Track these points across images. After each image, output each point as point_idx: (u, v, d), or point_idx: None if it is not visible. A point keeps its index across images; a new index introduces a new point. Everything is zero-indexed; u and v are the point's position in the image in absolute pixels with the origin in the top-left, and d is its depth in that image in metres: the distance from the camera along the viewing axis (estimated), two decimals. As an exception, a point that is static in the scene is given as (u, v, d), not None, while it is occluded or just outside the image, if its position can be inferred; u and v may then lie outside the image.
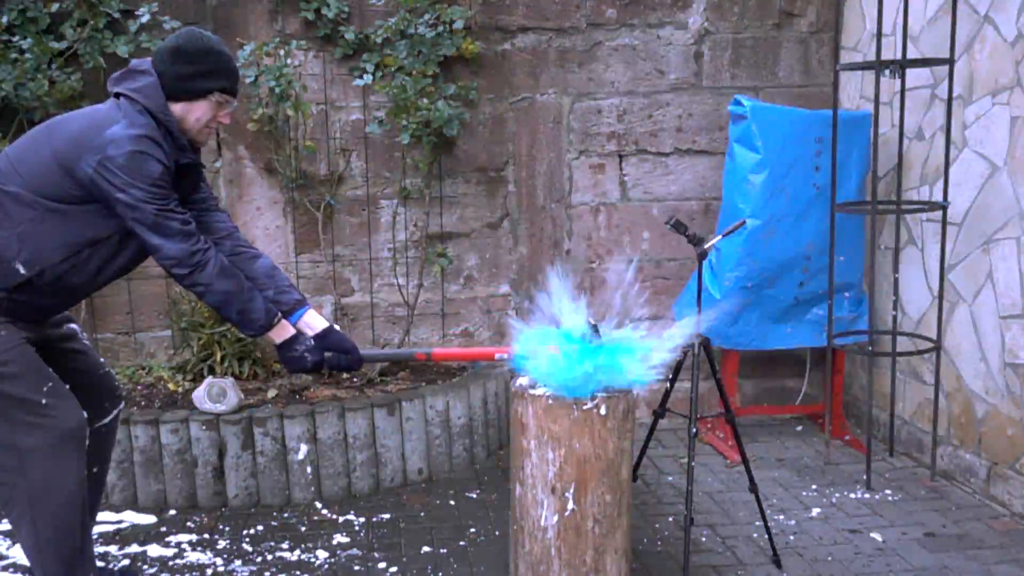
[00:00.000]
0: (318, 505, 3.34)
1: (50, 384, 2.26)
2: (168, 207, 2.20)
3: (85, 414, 2.32)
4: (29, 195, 2.20)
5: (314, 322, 2.44)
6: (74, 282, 2.30)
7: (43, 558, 2.28)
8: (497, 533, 3.05)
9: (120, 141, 2.15)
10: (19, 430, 2.21)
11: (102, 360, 2.59)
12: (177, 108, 2.27)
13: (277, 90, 3.61)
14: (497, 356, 2.49)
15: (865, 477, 3.41)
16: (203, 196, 2.49)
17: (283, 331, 2.39)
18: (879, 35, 3.28)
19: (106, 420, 2.55)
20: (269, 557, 2.93)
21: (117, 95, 2.27)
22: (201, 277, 2.24)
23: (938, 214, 3.35)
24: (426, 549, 2.96)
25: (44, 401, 2.22)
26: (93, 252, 2.27)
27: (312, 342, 2.41)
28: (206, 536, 3.10)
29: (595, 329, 2.34)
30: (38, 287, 2.25)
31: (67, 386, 2.32)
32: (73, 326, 2.52)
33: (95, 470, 2.53)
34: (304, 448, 3.35)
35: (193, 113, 2.30)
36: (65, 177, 2.19)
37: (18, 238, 2.20)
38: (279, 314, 2.37)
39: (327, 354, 2.41)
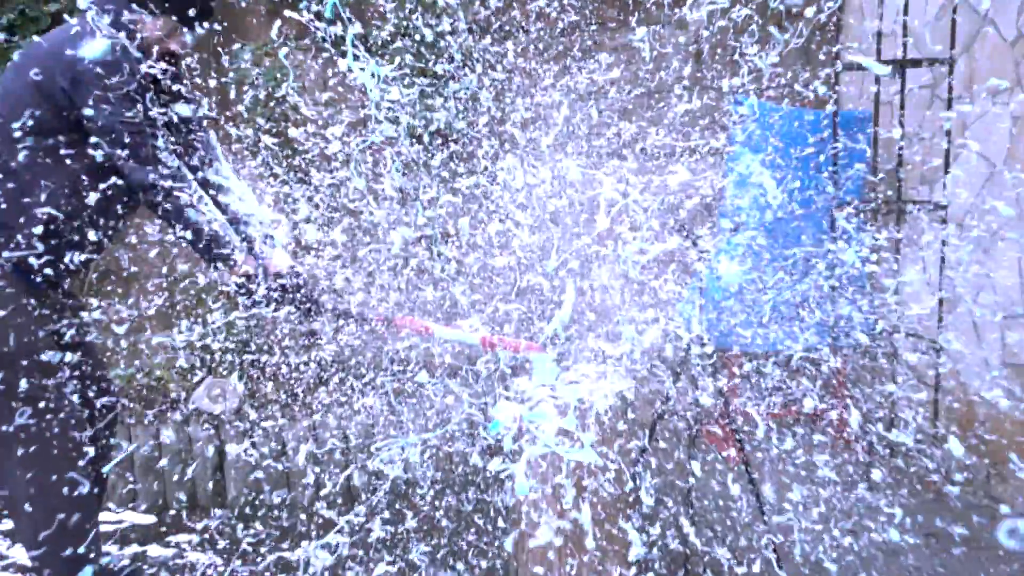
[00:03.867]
0: (318, 505, 3.34)
1: (58, 377, 2.25)
2: (139, 128, 2.16)
3: (86, 413, 2.32)
4: (22, 136, 2.17)
5: (280, 261, 2.42)
6: (87, 223, 2.27)
7: (48, 557, 2.27)
8: (500, 533, 3.05)
9: (88, 54, 2.11)
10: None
11: (102, 360, 2.59)
12: (141, 19, 2.24)
13: (276, 90, 3.61)
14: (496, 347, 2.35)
15: (865, 477, 3.41)
16: (184, 117, 2.44)
17: (248, 267, 2.35)
18: (879, 35, 3.28)
19: (104, 420, 2.54)
20: (269, 557, 2.93)
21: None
22: (169, 204, 2.19)
23: (938, 214, 3.35)
24: (426, 549, 2.96)
25: (50, 395, 2.22)
26: (94, 184, 2.24)
27: (274, 281, 2.38)
28: (206, 536, 3.10)
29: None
30: (56, 235, 2.23)
31: (74, 382, 2.32)
32: (85, 315, 2.51)
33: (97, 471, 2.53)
34: (304, 448, 3.35)
35: (150, 28, 2.26)
36: (45, 105, 2.16)
37: (26, 186, 2.18)
38: (246, 250, 2.34)
39: (287, 295, 2.38)
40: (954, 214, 3.35)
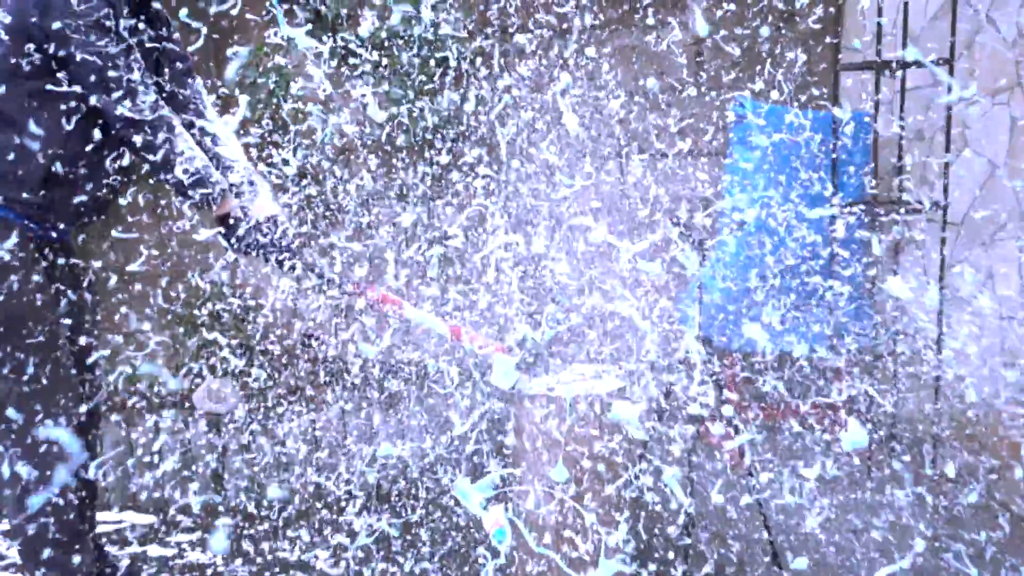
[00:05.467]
0: (318, 505, 3.34)
1: (53, 359, 2.24)
2: (114, 57, 2.10)
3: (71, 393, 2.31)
4: (10, 86, 2.14)
5: (264, 206, 2.37)
6: (88, 171, 2.24)
7: (33, 551, 2.26)
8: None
9: None
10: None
11: (93, 343, 2.55)
12: None
13: (276, 91, 3.61)
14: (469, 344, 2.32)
15: (866, 477, 3.41)
16: (166, 52, 2.40)
17: (226, 207, 2.31)
18: (879, 35, 3.28)
19: (89, 407, 2.51)
20: (269, 557, 2.93)
21: None
22: (148, 140, 2.14)
23: (938, 214, 3.35)
24: (426, 549, 2.96)
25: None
26: (88, 128, 2.20)
27: (254, 224, 2.33)
28: (206, 536, 3.10)
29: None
30: (60, 184, 2.20)
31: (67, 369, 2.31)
32: (88, 297, 2.48)
33: (83, 468, 2.50)
34: (304, 448, 3.36)
35: None
36: (19, 43, 2.11)
37: (25, 138, 2.15)
38: (226, 190, 2.29)
39: (266, 239, 2.33)
40: (954, 214, 3.35)
